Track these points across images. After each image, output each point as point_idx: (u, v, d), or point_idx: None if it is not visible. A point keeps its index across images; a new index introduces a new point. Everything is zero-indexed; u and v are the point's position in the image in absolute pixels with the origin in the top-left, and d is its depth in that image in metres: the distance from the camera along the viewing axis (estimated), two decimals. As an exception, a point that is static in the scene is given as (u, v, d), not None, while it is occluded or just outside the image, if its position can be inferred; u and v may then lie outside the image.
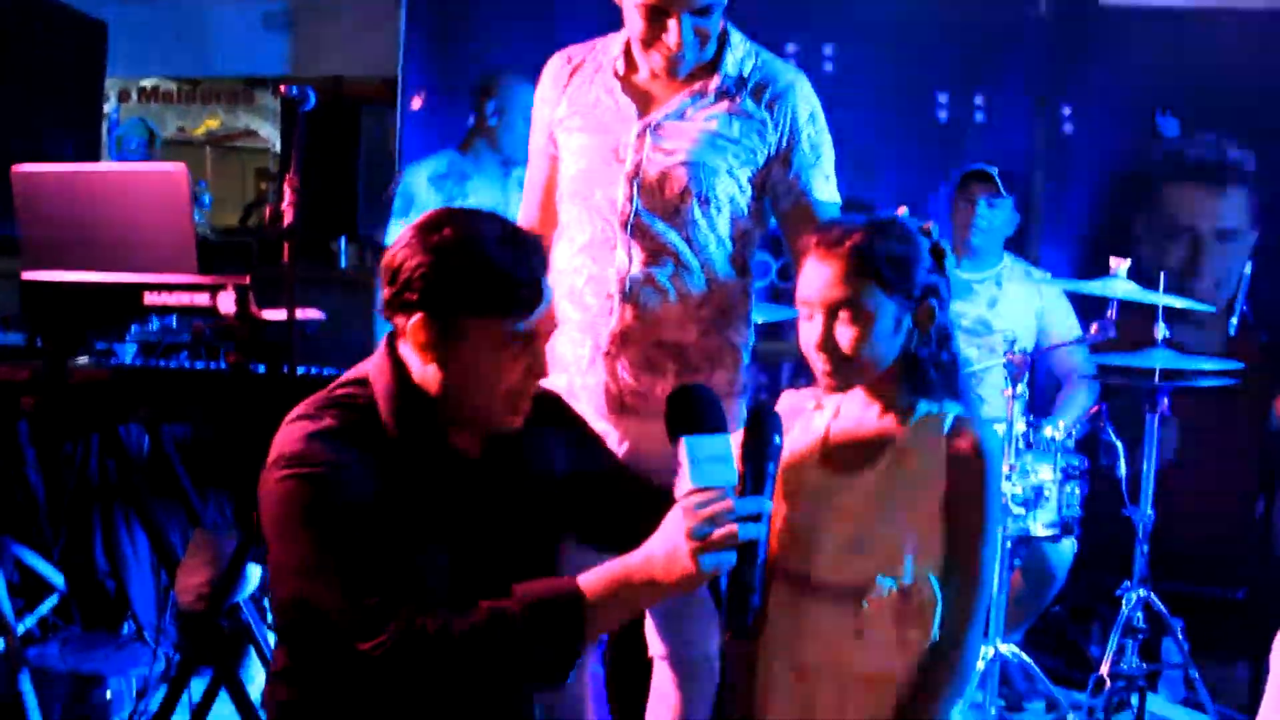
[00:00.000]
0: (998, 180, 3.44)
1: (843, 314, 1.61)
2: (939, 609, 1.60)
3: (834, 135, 2.27)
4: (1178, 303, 2.99)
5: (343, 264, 4.84)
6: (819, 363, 1.65)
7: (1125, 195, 3.96)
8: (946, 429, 1.62)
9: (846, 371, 1.64)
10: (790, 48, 3.92)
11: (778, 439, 1.58)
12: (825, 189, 2.24)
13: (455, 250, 1.56)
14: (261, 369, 2.49)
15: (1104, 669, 2.95)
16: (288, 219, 2.20)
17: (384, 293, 1.60)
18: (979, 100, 3.97)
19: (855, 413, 1.70)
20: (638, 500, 1.74)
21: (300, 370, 2.44)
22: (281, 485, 1.55)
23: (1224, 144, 3.90)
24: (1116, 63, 3.91)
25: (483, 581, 1.56)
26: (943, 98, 3.98)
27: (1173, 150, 3.94)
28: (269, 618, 3.15)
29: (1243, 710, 3.40)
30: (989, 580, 1.64)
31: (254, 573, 2.80)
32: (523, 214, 2.40)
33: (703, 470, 1.46)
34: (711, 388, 2.18)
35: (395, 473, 1.58)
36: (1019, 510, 2.85)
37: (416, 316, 1.57)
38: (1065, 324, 3.53)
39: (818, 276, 1.63)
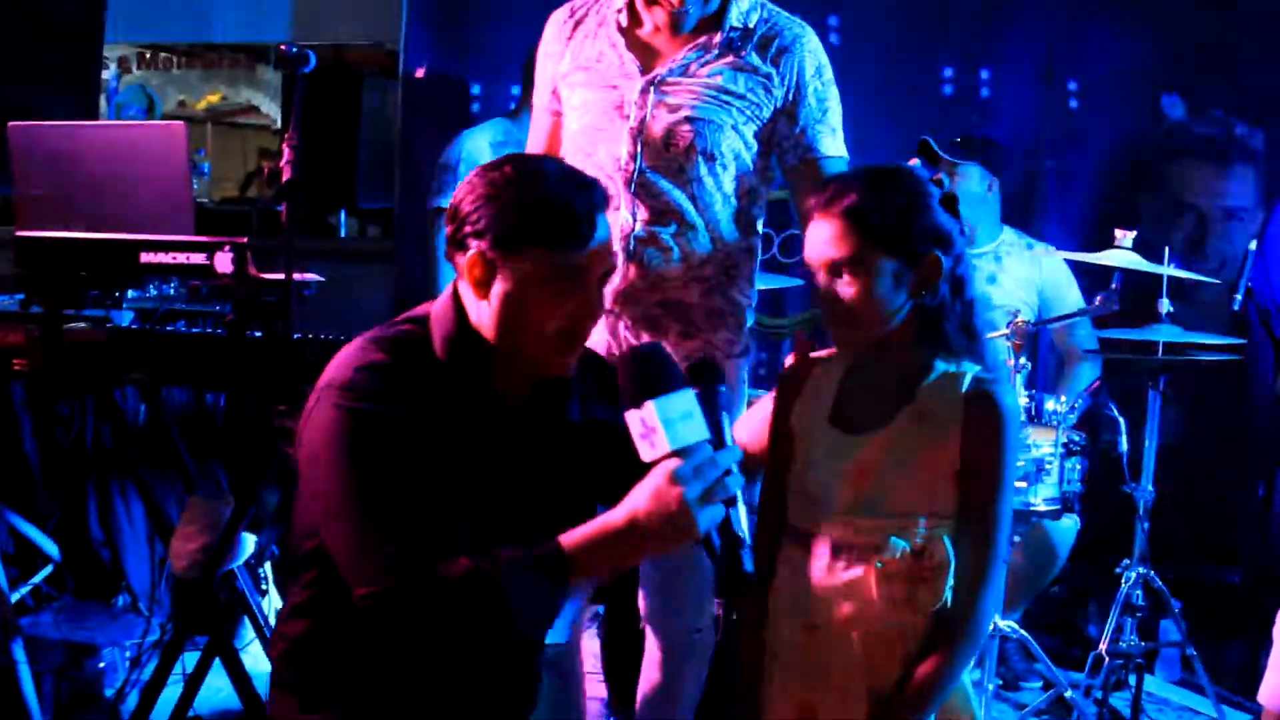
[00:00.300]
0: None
1: (842, 273, 1.61)
2: (951, 571, 1.58)
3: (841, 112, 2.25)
4: (1182, 274, 2.96)
5: (342, 236, 4.81)
6: (827, 320, 1.65)
7: (1131, 172, 3.93)
8: (964, 389, 1.60)
9: (850, 330, 1.64)
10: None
11: (723, 388, 1.57)
12: (832, 144, 2.22)
13: (512, 183, 1.57)
14: (259, 335, 2.47)
15: (1103, 647, 2.93)
16: (286, 175, 2.17)
17: (446, 232, 1.61)
18: (985, 75, 3.94)
19: (870, 371, 1.68)
20: None
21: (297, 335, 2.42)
22: (323, 413, 1.56)
23: (1231, 121, 3.87)
24: (1124, 39, 3.86)
25: (511, 532, 1.56)
26: (948, 72, 3.95)
27: (1179, 127, 3.91)
28: (264, 585, 3.14)
29: (1238, 692, 3.39)
30: (1004, 543, 1.62)
31: (249, 540, 2.79)
32: None
33: (678, 430, 1.45)
34: (714, 348, 2.18)
35: (440, 414, 1.58)
36: (1020, 484, 2.83)
37: (473, 250, 1.58)
38: (1067, 299, 3.50)
39: (817, 236, 1.63)
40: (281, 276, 2.34)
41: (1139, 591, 3.00)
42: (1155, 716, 3.28)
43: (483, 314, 1.62)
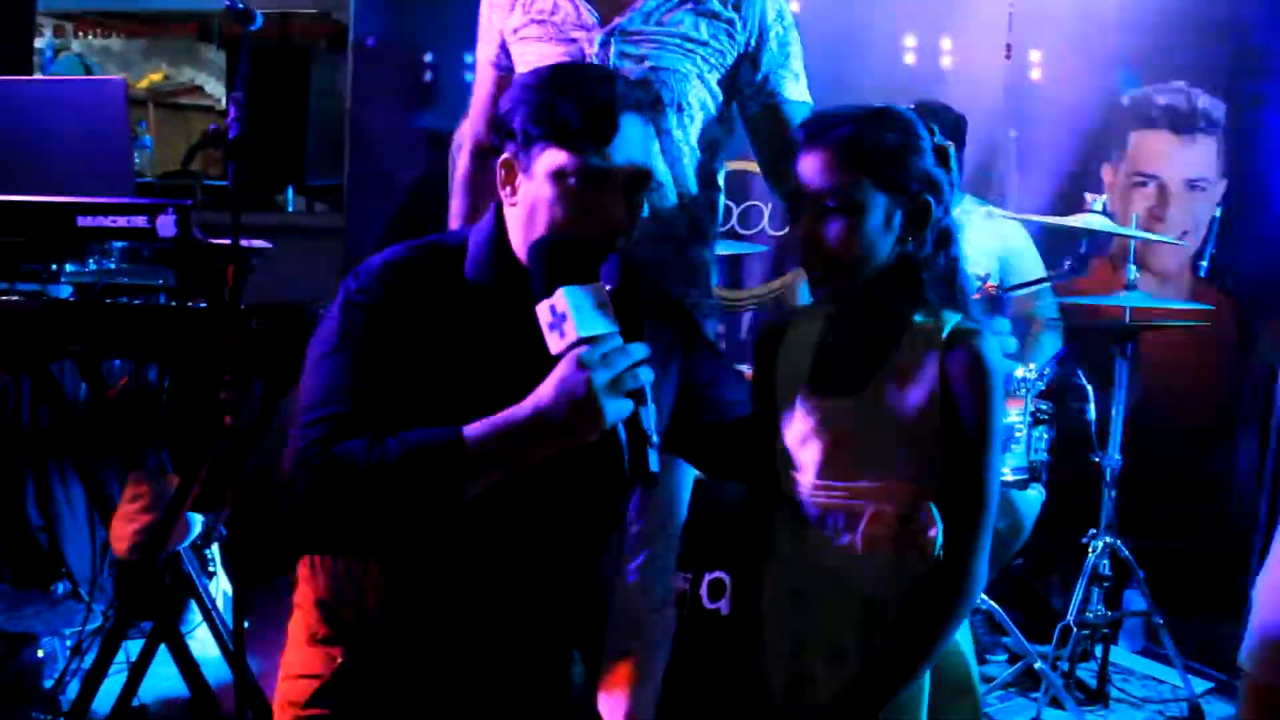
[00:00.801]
0: None
1: (831, 207, 1.52)
2: (939, 534, 1.52)
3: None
4: (1152, 238, 2.93)
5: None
6: (805, 263, 1.57)
7: (1093, 143, 3.92)
8: (944, 337, 1.53)
9: (835, 272, 1.55)
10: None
11: (641, 286, 1.53)
12: (796, 89, 2.16)
13: (544, 83, 1.56)
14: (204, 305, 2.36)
15: (1070, 618, 2.90)
16: (233, 133, 2.06)
17: (491, 140, 1.64)
18: (946, 45, 3.89)
19: (849, 327, 1.61)
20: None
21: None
22: (337, 303, 1.56)
23: (1193, 92, 3.86)
24: (1085, 9, 3.84)
25: None
26: (910, 41, 3.90)
27: (1141, 98, 3.90)
28: (211, 567, 3.04)
29: (1199, 660, 3.39)
30: (993, 501, 1.55)
31: (195, 520, 2.68)
32: (470, 135, 2.30)
33: (588, 318, 1.41)
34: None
35: (461, 322, 1.56)
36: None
37: (505, 153, 1.57)
38: (1029, 267, 3.47)
39: (805, 167, 1.54)
40: (228, 242, 2.22)
41: (1106, 561, 2.97)
42: (1121, 686, 3.27)
43: (515, 222, 1.59)
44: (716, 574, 2.55)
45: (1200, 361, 3.84)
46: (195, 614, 2.90)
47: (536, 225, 1.55)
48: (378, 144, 4.07)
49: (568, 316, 1.41)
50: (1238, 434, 3.92)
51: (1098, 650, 3.12)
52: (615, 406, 1.39)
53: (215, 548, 3.08)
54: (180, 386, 3.03)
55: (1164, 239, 2.97)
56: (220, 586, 3.07)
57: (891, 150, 1.53)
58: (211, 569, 3.06)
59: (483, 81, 2.26)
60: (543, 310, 1.43)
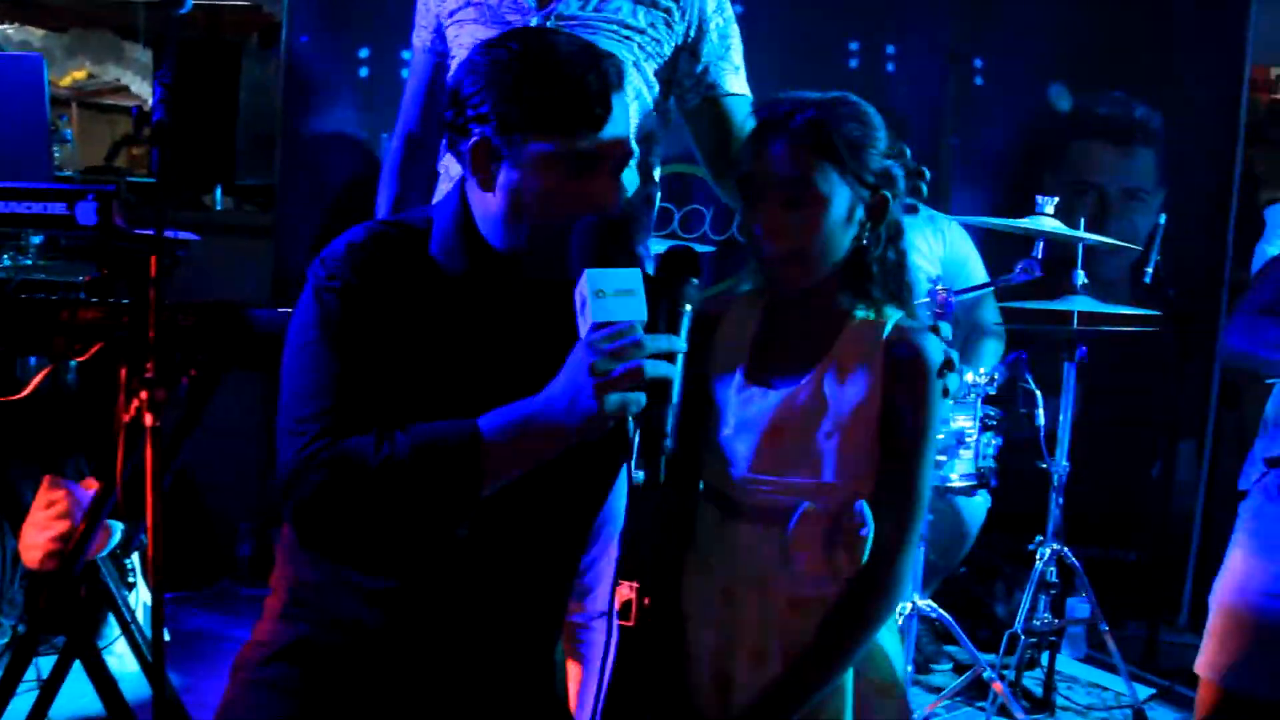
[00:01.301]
0: None
1: (793, 197, 1.47)
2: (870, 535, 1.48)
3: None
4: (1105, 241, 2.93)
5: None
6: (761, 252, 1.51)
7: (1035, 151, 3.95)
8: (885, 334, 1.50)
9: (793, 264, 1.50)
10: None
11: (695, 280, 1.44)
12: (736, 82, 2.13)
13: (518, 60, 1.43)
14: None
15: (1019, 625, 2.87)
16: (158, 116, 1.94)
17: (449, 117, 1.48)
18: (890, 50, 3.89)
19: (789, 318, 1.56)
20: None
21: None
22: (305, 290, 1.49)
23: (1132, 103, 3.90)
24: (1027, 18, 3.86)
25: None
26: (853, 45, 3.89)
27: (1082, 107, 3.92)
28: (131, 578, 2.90)
29: (1139, 667, 3.39)
30: (924, 500, 1.53)
31: (115, 528, 2.54)
32: (401, 123, 2.25)
33: (608, 304, 1.32)
34: None
35: (432, 307, 1.49)
36: (940, 458, 2.75)
37: (475, 137, 1.45)
38: (971, 271, 3.45)
39: (764, 153, 1.48)
40: (152, 232, 2.11)
41: (1053, 569, 2.95)
42: (1066, 694, 3.25)
43: (487, 208, 1.48)
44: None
45: (1141, 369, 3.86)
46: (113, 627, 2.76)
47: (524, 215, 1.46)
48: (310, 143, 3.95)
49: (586, 300, 1.33)
50: (1178, 442, 3.95)
51: (1043, 658, 3.10)
52: (618, 398, 1.31)
53: (135, 556, 2.94)
54: (100, 386, 2.89)
55: (1118, 242, 2.97)
56: (140, 597, 2.93)
57: (854, 140, 1.49)
58: (131, 579, 2.92)
59: (418, 68, 2.20)
60: (575, 295, 1.35)
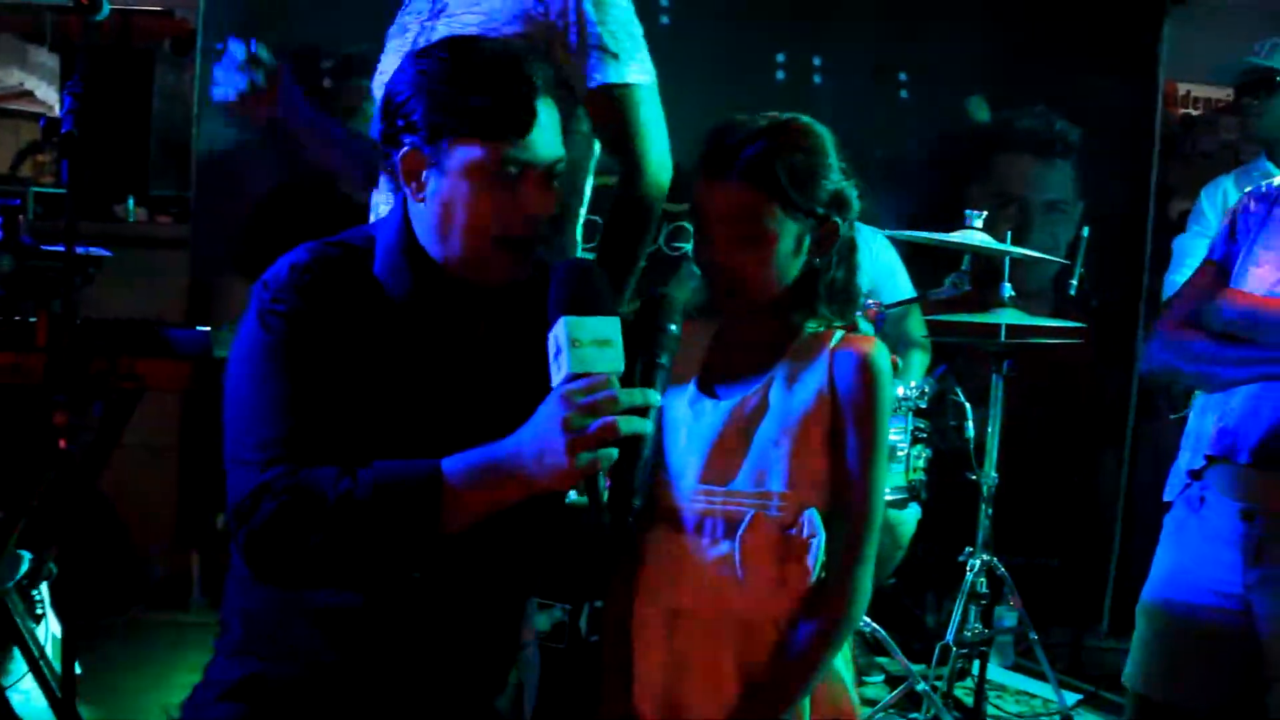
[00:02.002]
0: None
1: (740, 235, 1.46)
2: (821, 546, 1.45)
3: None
4: (1033, 255, 2.96)
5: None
6: (709, 285, 1.51)
7: (958, 164, 3.99)
8: (832, 345, 1.50)
9: (740, 296, 1.50)
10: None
11: (674, 329, 1.43)
12: (614, 70, 2.06)
13: (443, 69, 1.44)
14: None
15: (950, 636, 2.89)
16: (67, 126, 1.86)
17: (380, 129, 1.48)
18: (817, 61, 3.90)
19: (739, 333, 1.56)
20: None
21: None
22: (248, 314, 1.46)
23: (1051, 116, 3.96)
24: (950, 33, 3.90)
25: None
26: (780, 57, 3.90)
27: (1003, 121, 3.98)
28: (40, 609, 2.77)
29: (1064, 673, 3.44)
30: (878, 511, 1.50)
31: (23, 557, 2.43)
32: None
33: (584, 355, 1.29)
34: None
35: (378, 329, 1.47)
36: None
37: (406, 148, 1.45)
38: (898, 284, 3.48)
39: (711, 191, 1.47)
40: (61, 249, 2.02)
41: (983, 579, 2.97)
42: (996, 702, 3.28)
43: (423, 218, 1.48)
44: (598, 604, 2.44)
45: (1062, 378, 3.92)
46: (20, 663, 2.63)
47: (454, 224, 1.46)
48: (228, 152, 3.84)
49: (563, 351, 1.29)
50: (1099, 450, 4.02)
51: (974, 667, 3.12)
52: (589, 456, 1.28)
53: (44, 587, 2.81)
54: (6, 409, 2.77)
55: (1047, 256, 3.02)
56: (49, 631, 2.80)
57: (802, 172, 1.47)
58: (40, 611, 2.79)
59: None
60: (550, 340, 1.32)
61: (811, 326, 1.52)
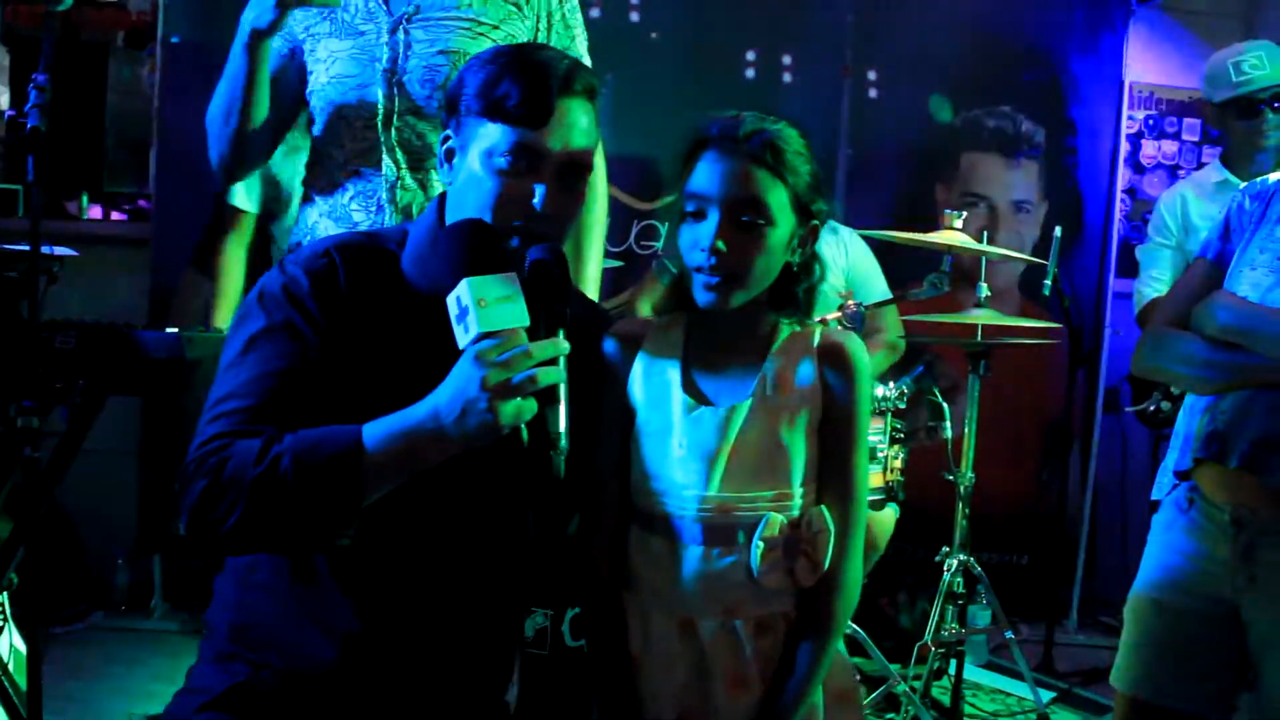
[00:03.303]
0: None
1: (744, 215, 1.44)
2: (831, 541, 1.47)
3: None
4: (1013, 255, 2.97)
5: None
6: (703, 269, 1.46)
7: (926, 163, 4.00)
8: (816, 343, 1.52)
9: (734, 284, 1.47)
10: (594, -3, 3.72)
11: (564, 274, 1.43)
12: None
13: (488, 59, 1.50)
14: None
15: (929, 635, 2.88)
16: (32, 122, 1.79)
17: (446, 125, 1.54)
18: (787, 60, 3.89)
19: (715, 335, 1.54)
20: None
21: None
22: (257, 296, 1.47)
23: (1018, 117, 3.98)
24: (919, 33, 3.91)
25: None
26: (750, 55, 3.88)
27: (971, 121, 3.99)
28: (6, 622, 2.68)
29: (1038, 671, 3.46)
30: (864, 498, 1.55)
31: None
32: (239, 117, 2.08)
33: (490, 314, 1.32)
34: None
35: (397, 322, 1.47)
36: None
37: (447, 129, 1.52)
38: (873, 283, 3.47)
39: (719, 169, 1.44)
40: (24, 248, 1.95)
41: (960, 579, 2.97)
42: (972, 701, 3.29)
43: (450, 203, 1.52)
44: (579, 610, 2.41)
45: (1029, 376, 3.95)
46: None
47: (466, 206, 1.48)
48: (189, 148, 3.75)
49: (469, 310, 1.31)
50: (1067, 447, 4.05)
51: (951, 666, 3.12)
52: (514, 408, 1.30)
53: (4, 597, 2.72)
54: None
55: (1027, 257, 3.05)
56: (11, 640, 2.71)
57: (800, 169, 1.48)
58: (1, 621, 2.70)
59: (254, 66, 2.08)
60: (450, 302, 1.33)
61: (787, 327, 1.53)
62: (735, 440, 1.47)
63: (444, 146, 1.53)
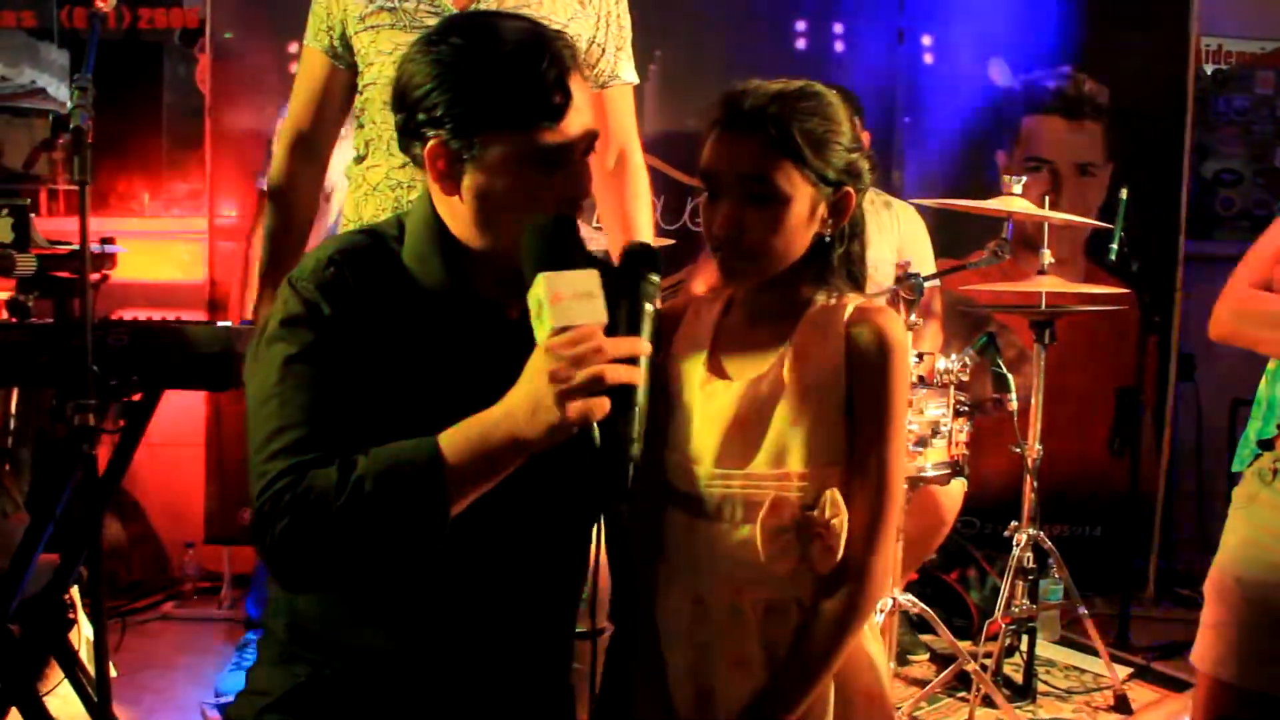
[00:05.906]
0: None
1: (754, 195, 1.40)
2: (845, 526, 1.40)
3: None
4: (1076, 220, 2.88)
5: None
6: (720, 249, 1.43)
7: (986, 127, 3.90)
8: (846, 317, 1.45)
9: (751, 262, 1.43)
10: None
11: (655, 276, 1.37)
12: (629, 69, 2.16)
13: (464, 54, 1.36)
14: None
15: (1000, 612, 2.82)
16: (76, 122, 1.80)
17: (396, 120, 1.42)
18: (838, 29, 3.81)
19: (747, 309, 1.50)
20: None
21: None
22: (274, 312, 1.42)
23: (1080, 78, 3.87)
24: (974, -5, 3.82)
25: None
26: (800, 26, 3.81)
27: (1031, 83, 3.89)
28: (71, 615, 2.73)
29: (1113, 646, 3.37)
30: (897, 486, 1.46)
31: (49, 563, 2.38)
32: (292, 124, 2.14)
33: (567, 308, 1.27)
34: None
35: (413, 324, 1.43)
36: (916, 451, 2.67)
37: (431, 141, 1.38)
38: (925, 255, 3.40)
39: (726, 149, 1.40)
40: (75, 247, 1.96)
41: (1030, 554, 2.90)
42: (1044, 679, 3.21)
43: (453, 212, 1.42)
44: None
45: (1099, 343, 3.84)
46: (55, 671, 2.59)
47: (495, 216, 1.40)
48: (241, 142, 3.80)
49: (544, 305, 1.26)
50: (1139, 415, 3.94)
51: (1023, 643, 3.05)
52: (581, 403, 1.24)
53: (75, 591, 2.77)
54: (29, 411, 2.73)
55: (1095, 223, 2.95)
56: (83, 635, 2.76)
57: (818, 136, 1.41)
58: (72, 616, 2.75)
59: (312, 73, 2.11)
60: (530, 299, 1.29)
61: (821, 299, 1.47)
62: (742, 415, 1.43)
63: (427, 157, 1.40)
